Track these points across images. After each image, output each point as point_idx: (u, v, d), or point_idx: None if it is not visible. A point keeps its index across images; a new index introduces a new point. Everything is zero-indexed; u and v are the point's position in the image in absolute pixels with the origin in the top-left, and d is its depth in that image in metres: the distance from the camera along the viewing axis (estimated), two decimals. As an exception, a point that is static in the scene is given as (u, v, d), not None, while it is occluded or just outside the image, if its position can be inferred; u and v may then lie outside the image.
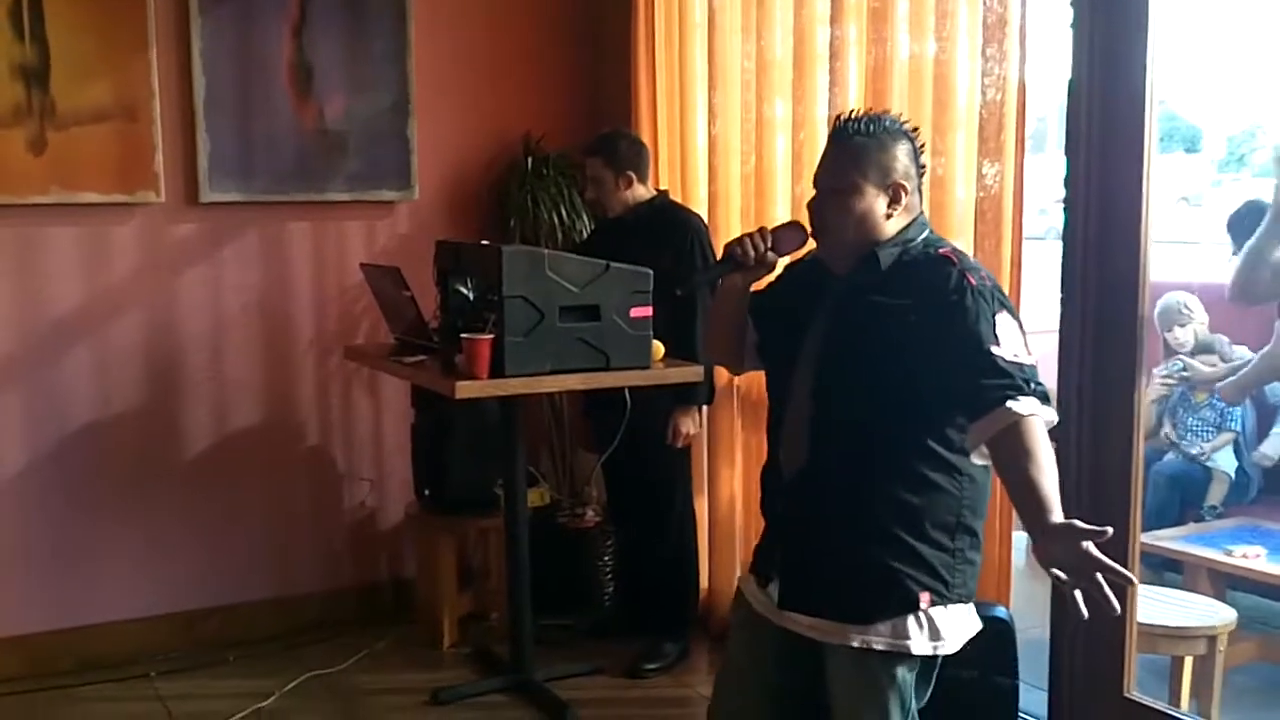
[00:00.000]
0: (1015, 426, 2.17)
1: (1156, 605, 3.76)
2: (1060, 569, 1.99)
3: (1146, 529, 4.74)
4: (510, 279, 3.38)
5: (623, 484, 4.50)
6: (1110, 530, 1.97)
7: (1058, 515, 2.05)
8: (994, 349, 2.22)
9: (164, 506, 4.47)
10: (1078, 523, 2.00)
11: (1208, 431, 5.13)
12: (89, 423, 4.35)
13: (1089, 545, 1.96)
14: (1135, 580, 2.00)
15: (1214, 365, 5.18)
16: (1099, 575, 1.95)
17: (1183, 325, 5.23)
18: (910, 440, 2.36)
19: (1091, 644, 3.08)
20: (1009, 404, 2.18)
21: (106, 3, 4.17)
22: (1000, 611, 2.99)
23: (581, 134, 4.48)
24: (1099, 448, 2.96)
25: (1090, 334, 2.93)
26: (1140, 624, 3.13)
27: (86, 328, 4.33)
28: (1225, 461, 5.09)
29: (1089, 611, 1.97)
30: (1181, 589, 4.29)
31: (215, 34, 4.35)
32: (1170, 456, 5.21)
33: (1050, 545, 2.02)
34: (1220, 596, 4.21)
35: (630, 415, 3.95)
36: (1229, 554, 4.29)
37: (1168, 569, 4.65)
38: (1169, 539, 4.57)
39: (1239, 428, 5.11)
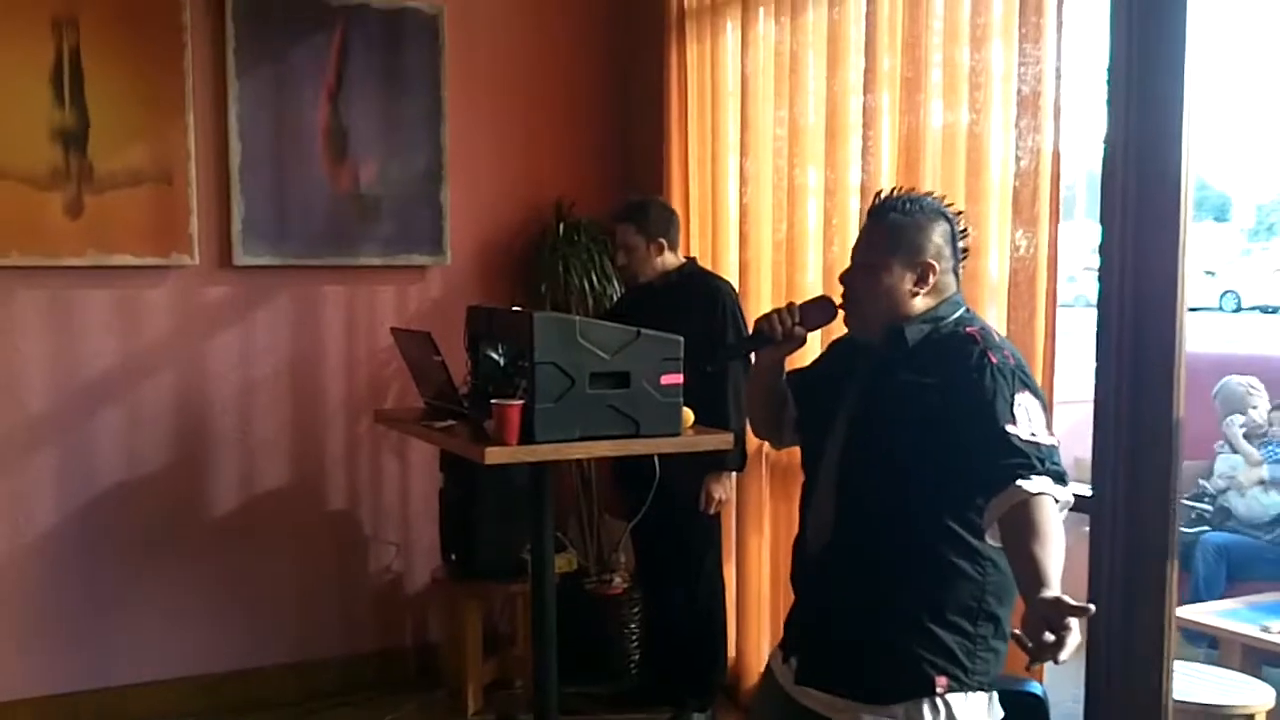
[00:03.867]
0: (1025, 504, 2.17)
1: (1193, 682, 3.70)
2: (1035, 636, 1.98)
3: (1194, 599, 4.70)
4: (541, 345, 3.37)
5: (652, 550, 4.47)
6: (1093, 607, 1.98)
7: (1051, 591, 2.04)
8: (1009, 428, 2.22)
9: (189, 568, 4.47)
10: (1065, 598, 2.00)
11: None
12: (117, 483, 4.36)
13: (1073, 622, 1.96)
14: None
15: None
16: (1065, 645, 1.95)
17: (1250, 410, 5.36)
18: (933, 521, 2.34)
19: (1127, 721, 3.02)
20: (1020, 482, 2.18)
21: (145, 68, 4.24)
22: (1034, 687, 2.94)
23: (613, 200, 4.50)
24: (1134, 519, 2.92)
25: (1126, 404, 2.90)
26: (1176, 701, 3.07)
27: (118, 389, 4.35)
28: None
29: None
30: (1215, 664, 4.21)
31: (252, 98, 4.40)
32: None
33: (1038, 615, 2.01)
34: (1255, 673, 4.13)
35: (660, 482, 3.93)
36: (1265, 630, 4.21)
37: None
38: (1205, 614, 4.50)
39: None
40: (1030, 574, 2.08)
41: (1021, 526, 2.15)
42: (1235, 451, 5.42)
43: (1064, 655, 1.97)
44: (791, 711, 2.48)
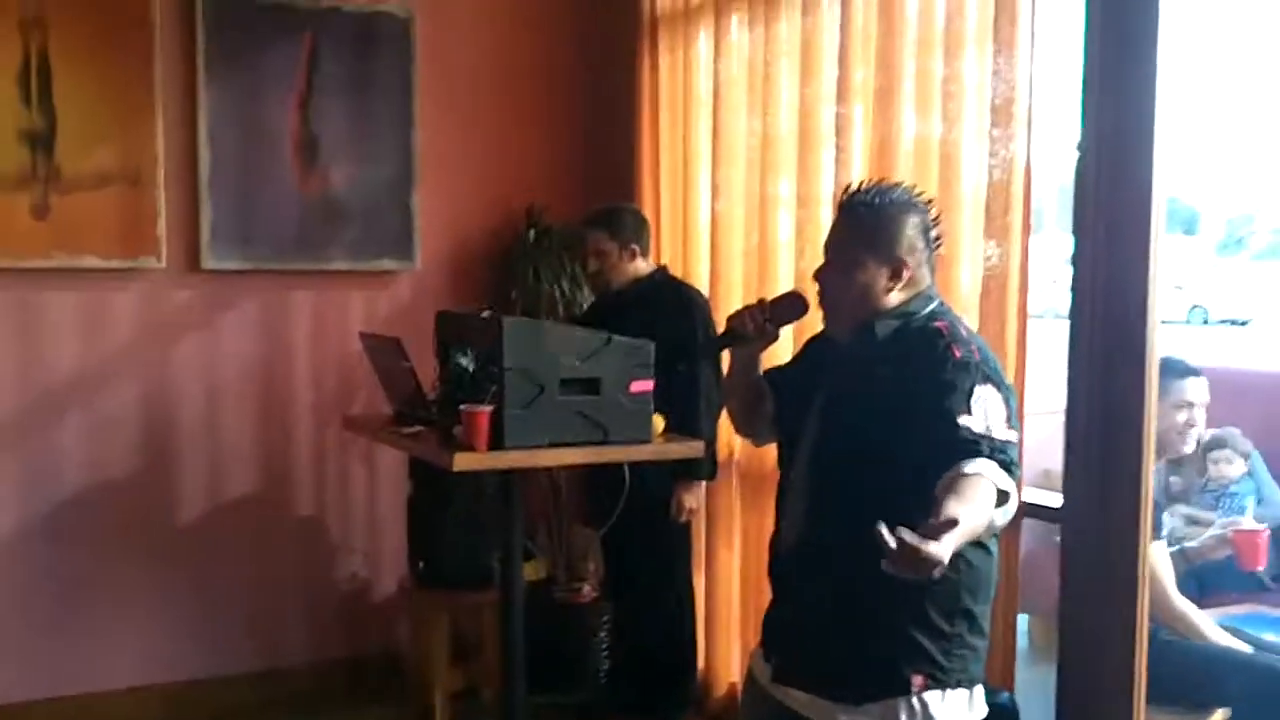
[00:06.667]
0: (957, 476, 2.14)
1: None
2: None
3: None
4: (511, 351, 3.35)
5: (622, 559, 4.44)
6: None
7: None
8: (963, 419, 2.22)
9: (153, 575, 4.43)
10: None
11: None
12: (82, 489, 4.31)
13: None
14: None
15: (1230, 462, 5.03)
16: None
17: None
18: (904, 518, 2.31)
19: (1097, 732, 3.01)
20: (962, 465, 2.16)
21: (114, 70, 4.20)
22: (1004, 698, 2.93)
23: (584, 207, 4.49)
24: (1106, 529, 2.92)
25: (1098, 415, 2.90)
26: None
27: (83, 393, 4.31)
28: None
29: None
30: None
31: (221, 102, 4.37)
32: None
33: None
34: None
35: (630, 490, 3.91)
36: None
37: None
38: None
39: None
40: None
41: (946, 484, 2.12)
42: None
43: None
44: (772, 709, 2.48)
